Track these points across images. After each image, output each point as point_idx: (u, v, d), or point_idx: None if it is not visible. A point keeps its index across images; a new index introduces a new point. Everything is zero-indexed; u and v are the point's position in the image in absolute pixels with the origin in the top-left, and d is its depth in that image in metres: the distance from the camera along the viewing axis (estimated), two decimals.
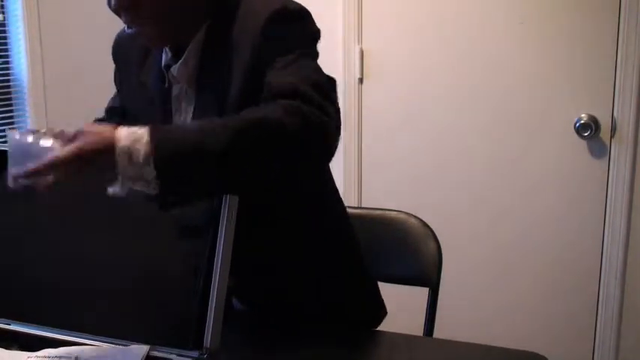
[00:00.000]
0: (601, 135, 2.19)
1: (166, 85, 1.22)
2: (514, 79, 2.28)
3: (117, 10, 1.11)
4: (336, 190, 1.37)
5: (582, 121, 2.20)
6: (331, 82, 1.15)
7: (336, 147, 1.08)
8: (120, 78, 1.36)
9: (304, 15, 1.16)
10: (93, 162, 0.92)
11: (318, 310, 1.28)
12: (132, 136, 0.94)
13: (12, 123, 2.34)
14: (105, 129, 0.95)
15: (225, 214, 1.01)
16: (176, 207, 1.04)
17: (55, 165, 0.91)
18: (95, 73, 2.44)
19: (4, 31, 2.33)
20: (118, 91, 1.38)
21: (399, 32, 2.39)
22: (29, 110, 2.34)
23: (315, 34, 1.18)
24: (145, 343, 1.02)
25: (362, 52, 2.43)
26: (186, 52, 1.18)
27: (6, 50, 2.34)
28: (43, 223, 1.15)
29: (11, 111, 2.35)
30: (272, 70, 1.10)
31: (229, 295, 1.25)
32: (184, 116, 1.21)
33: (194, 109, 1.19)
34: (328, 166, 1.30)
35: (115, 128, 0.95)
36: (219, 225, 1.01)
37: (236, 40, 1.13)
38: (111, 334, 1.05)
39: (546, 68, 2.23)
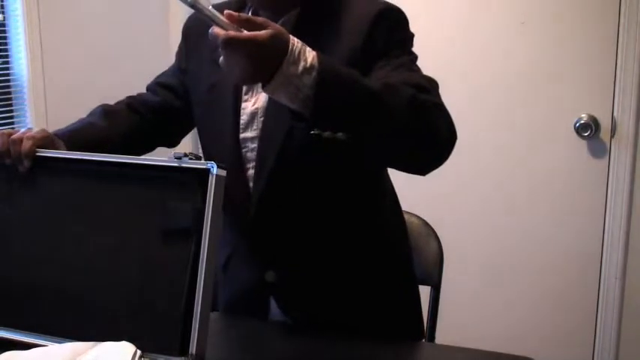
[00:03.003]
0: (601, 135, 2.20)
1: None
2: (514, 79, 2.28)
3: None
4: (394, 192, 1.39)
5: (582, 121, 2.20)
6: None
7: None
8: (187, 55, 1.33)
9: (406, 18, 1.18)
10: (264, 47, 0.91)
11: (355, 316, 1.25)
12: (300, 43, 0.95)
13: (12, 123, 2.33)
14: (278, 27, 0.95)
15: (209, 220, 1.00)
16: (310, 128, 1.03)
17: (231, 41, 0.91)
18: (95, 72, 2.44)
19: (4, 31, 2.33)
20: (179, 69, 1.35)
21: None
22: (29, 110, 2.34)
23: (412, 38, 1.19)
24: None
25: None
26: None
27: (6, 50, 2.33)
28: (25, 228, 1.14)
29: (11, 111, 2.35)
30: (385, 67, 1.11)
31: (268, 293, 1.25)
32: (256, 96, 1.20)
33: None
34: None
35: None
36: (202, 229, 1.00)
37: (336, 29, 1.14)
38: (95, 339, 1.02)
39: (547, 68, 2.23)
